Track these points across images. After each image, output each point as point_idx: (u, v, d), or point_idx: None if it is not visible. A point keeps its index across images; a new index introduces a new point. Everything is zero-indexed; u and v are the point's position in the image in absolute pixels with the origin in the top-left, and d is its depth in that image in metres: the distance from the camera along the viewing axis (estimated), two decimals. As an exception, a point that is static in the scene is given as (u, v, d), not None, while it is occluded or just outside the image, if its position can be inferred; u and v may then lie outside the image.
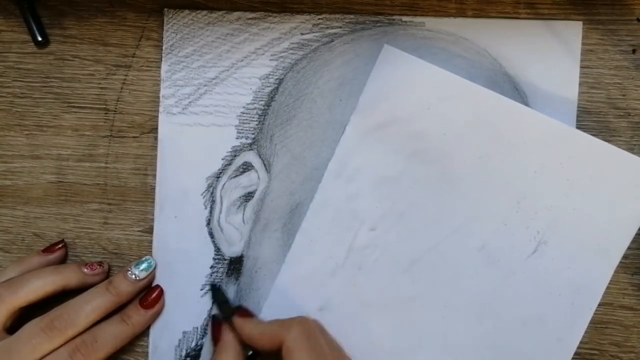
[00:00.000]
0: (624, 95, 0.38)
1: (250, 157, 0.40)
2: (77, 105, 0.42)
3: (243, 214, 0.41)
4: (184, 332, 0.40)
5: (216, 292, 0.40)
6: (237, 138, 0.41)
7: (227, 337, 0.38)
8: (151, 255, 0.41)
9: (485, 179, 0.38)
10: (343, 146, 0.39)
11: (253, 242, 0.41)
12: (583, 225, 0.38)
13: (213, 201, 0.41)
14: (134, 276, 0.40)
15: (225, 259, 0.41)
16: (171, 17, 0.41)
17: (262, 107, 0.40)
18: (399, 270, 0.39)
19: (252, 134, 0.40)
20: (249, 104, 0.40)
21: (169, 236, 0.41)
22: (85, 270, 0.40)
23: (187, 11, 0.41)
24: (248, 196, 0.41)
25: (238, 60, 0.40)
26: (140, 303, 0.40)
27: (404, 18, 0.39)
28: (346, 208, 0.39)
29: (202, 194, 0.41)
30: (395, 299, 0.39)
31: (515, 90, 0.39)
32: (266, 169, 0.40)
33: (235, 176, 0.41)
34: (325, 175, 0.39)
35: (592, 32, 0.38)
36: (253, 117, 0.40)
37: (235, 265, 0.41)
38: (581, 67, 0.38)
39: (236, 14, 0.40)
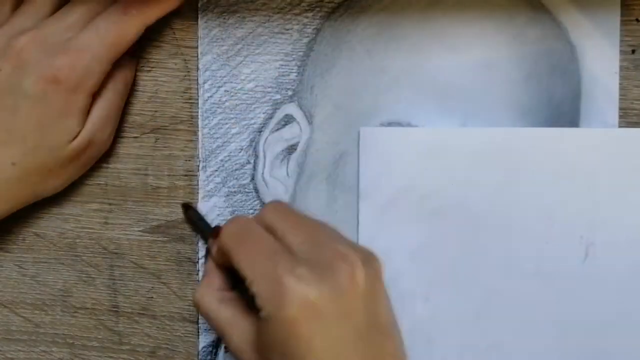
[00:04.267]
0: (623, 96, 0.38)
1: (292, 109, 0.40)
2: (77, 105, 0.42)
3: (287, 167, 0.40)
4: None
5: (189, 212, 0.39)
6: (276, 91, 0.40)
7: (206, 264, 0.35)
8: None
9: (512, 209, 0.38)
10: (364, 234, 0.39)
11: (298, 194, 0.40)
12: (625, 215, 0.37)
13: (256, 156, 0.40)
14: None
15: None
16: None
17: (301, 58, 0.40)
18: (467, 328, 0.38)
19: (292, 86, 0.40)
20: (287, 55, 0.40)
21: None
22: None
23: None
24: (291, 149, 0.40)
25: (274, 12, 0.40)
26: None
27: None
28: (393, 289, 0.37)
29: (244, 150, 0.41)
30: (476, 356, 0.38)
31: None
32: (308, 121, 0.40)
33: (277, 129, 0.40)
34: None
35: (592, 33, 0.38)
36: (292, 69, 0.40)
37: None
38: (581, 67, 0.38)
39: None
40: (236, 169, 0.41)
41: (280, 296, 0.29)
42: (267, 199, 0.40)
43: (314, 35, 0.40)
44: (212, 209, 0.41)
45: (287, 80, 0.40)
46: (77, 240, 0.42)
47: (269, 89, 0.40)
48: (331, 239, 0.32)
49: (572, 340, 0.38)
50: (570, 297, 0.38)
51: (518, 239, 0.38)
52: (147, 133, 0.41)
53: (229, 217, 0.41)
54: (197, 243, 0.41)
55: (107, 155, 0.41)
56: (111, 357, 0.42)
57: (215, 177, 0.41)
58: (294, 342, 0.29)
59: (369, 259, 0.32)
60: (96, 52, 0.36)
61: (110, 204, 0.42)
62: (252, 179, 0.41)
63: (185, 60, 0.41)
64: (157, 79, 0.41)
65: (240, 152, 0.41)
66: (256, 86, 0.40)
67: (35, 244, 0.42)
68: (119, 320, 0.42)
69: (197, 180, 0.41)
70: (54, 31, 0.37)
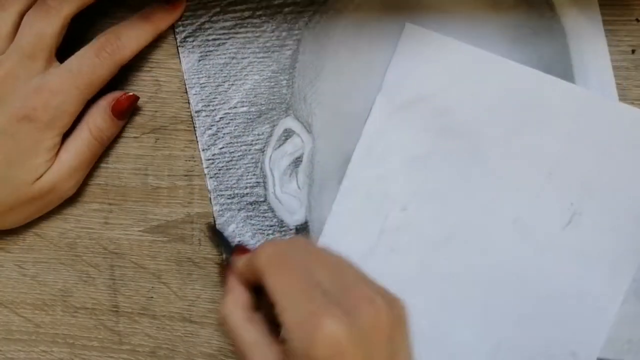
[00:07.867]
0: (623, 96, 0.38)
1: (289, 122, 0.40)
2: (77, 105, 0.42)
3: (297, 181, 0.40)
4: None
5: (214, 233, 0.40)
6: (271, 108, 0.40)
7: (229, 280, 0.35)
8: None
9: (516, 152, 0.38)
10: (370, 127, 0.39)
11: (314, 205, 0.40)
12: (618, 194, 0.38)
13: (264, 176, 0.41)
14: None
15: (290, 229, 0.41)
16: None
17: (288, 71, 0.40)
18: (433, 249, 0.39)
19: (285, 99, 0.40)
20: (274, 71, 0.40)
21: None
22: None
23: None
24: (297, 162, 0.40)
25: (253, 33, 0.40)
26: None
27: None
28: (376, 189, 0.39)
29: (251, 172, 0.41)
30: (431, 277, 0.39)
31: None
32: (307, 130, 0.40)
33: (279, 146, 0.40)
34: (353, 156, 0.39)
35: (592, 33, 0.38)
36: (282, 83, 0.40)
37: (302, 233, 0.41)
38: (581, 67, 0.38)
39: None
40: (247, 193, 0.41)
41: (312, 333, 0.29)
42: (284, 215, 0.41)
43: (296, 46, 0.40)
44: (232, 236, 0.41)
45: (279, 95, 0.40)
46: (78, 240, 0.42)
47: (263, 108, 0.40)
48: (357, 279, 0.32)
49: (523, 296, 0.38)
50: (537, 257, 0.38)
51: (512, 184, 0.38)
52: (147, 133, 0.41)
53: (250, 241, 0.41)
54: (222, 254, 0.41)
55: (106, 155, 0.42)
56: (111, 357, 0.42)
57: (228, 204, 0.41)
58: None
59: (393, 303, 0.32)
60: (68, 93, 0.37)
61: (110, 204, 0.42)
62: (265, 199, 0.41)
63: (185, 60, 0.41)
64: (157, 79, 0.41)
65: (247, 175, 0.41)
66: (250, 108, 0.41)
67: (36, 244, 0.42)
68: (119, 320, 0.42)
69: (203, 180, 0.41)
70: (25, 68, 0.37)
